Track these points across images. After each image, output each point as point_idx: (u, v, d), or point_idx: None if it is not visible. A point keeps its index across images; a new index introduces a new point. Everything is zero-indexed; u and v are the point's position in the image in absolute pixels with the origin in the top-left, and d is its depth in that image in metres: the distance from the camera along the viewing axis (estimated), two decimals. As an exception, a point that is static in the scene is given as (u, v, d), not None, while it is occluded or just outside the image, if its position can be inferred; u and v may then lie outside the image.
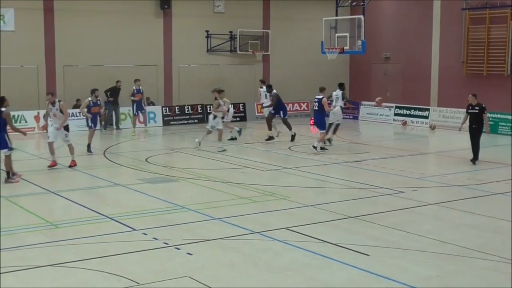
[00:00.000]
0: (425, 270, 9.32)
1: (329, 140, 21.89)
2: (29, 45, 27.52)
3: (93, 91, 21.18)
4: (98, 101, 21.22)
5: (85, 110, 20.77)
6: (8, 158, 15.87)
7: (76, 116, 26.94)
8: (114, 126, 27.84)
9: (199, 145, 21.53)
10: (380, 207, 13.24)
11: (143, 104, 26.57)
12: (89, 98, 20.88)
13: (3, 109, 15.81)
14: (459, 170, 17.73)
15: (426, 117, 29.10)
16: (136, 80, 26.34)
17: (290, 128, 22.99)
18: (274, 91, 23.61)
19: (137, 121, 26.95)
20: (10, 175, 15.96)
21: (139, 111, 26.41)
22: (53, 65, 28.13)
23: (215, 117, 21.19)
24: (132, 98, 26.10)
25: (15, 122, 25.79)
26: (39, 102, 27.48)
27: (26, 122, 26.31)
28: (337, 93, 22.39)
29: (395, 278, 8.85)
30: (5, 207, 13.31)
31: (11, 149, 16.06)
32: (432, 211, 13.24)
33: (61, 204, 13.83)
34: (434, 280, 8.94)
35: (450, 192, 15.03)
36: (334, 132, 22.44)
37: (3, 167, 16.09)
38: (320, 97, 20.40)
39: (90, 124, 21.12)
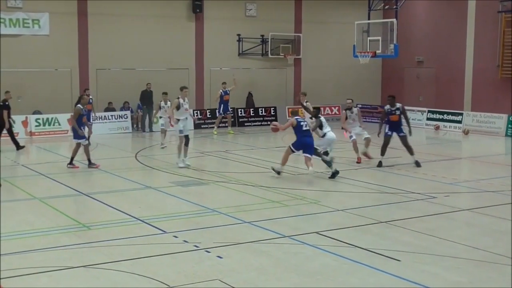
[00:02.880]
0: (457, 276, 9.22)
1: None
2: (63, 49, 27.88)
3: (85, 90, 22.28)
4: (90, 100, 21.81)
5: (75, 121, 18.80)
6: (86, 147, 18.28)
7: (109, 119, 27.25)
8: (147, 129, 28.07)
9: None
10: (411, 212, 13.14)
11: (228, 106, 27.79)
12: (79, 105, 18.63)
13: (78, 105, 18.45)
14: (493, 175, 17.51)
15: (460, 122, 28.81)
16: (223, 83, 27.65)
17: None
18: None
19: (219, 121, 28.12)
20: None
21: (225, 112, 27.67)
22: (86, 68, 28.46)
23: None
24: (218, 99, 27.48)
25: (49, 125, 26.17)
26: (73, 105, 27.75)
27: (59, 125, 26.64)
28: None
29: (426, 284, 8.77)
30: (38, 209, 13.49)
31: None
32: (464, 217, 13.10)
33: (93, 206, 13.96)
34: (466, 287, 8.84)
35: (483, 198, 14.85)
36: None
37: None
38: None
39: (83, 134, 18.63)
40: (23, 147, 22.60)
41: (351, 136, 19.65)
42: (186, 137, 18.57)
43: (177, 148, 18.84)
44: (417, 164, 18.83)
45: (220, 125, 28.20)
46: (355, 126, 19.77)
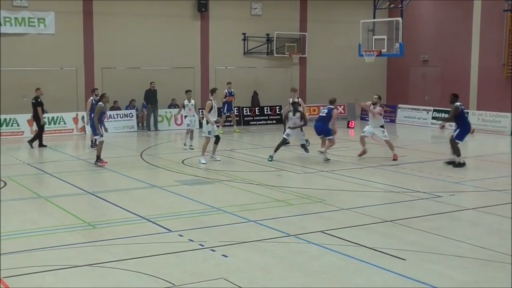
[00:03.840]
0: (462, 275, 9.20)
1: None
2: (69, 48, 27.93)
3: (94, 90, 21.63)
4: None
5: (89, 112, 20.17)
6: (100, 144, 18.54)
7: (114, 117, 27.29)
8: (153, 128, 28.11)
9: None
10: (417, 211, 13.11)
11: (232, 106, 28.04)
12: (91, 98, 20.16)
13: (100, 103, 18.67)
14: (498, 174, 17.47)
15: (465, 121, 28.68)
16: (228, 83, 27.84)
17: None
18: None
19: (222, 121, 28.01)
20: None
21: (229, 112, 27.95)
22: (91, 67, 28.50)
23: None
24: (224, 99, 27.47)
25: (54, 124, 26.24)
26: (78, 103, 27.86)
27: (65, 123, 26.71)
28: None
29: (431, 283, 8.75)
30: (44, 207, 13.52)
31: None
32: (470, 216, 13.06)
33: (98, 204, 13.98)
34: (472, 286, 8.82)
35: (488, 197, 14.81)
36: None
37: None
38: (331, 107, 19.63)
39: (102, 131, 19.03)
40: (45, 146, 22.84)
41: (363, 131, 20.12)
42: (217, 136, 19.42)
43: (202, 147, 19.30)
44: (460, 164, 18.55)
45: (225, 124, 28.23)
46: (373, 123, 19.89)
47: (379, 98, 20.17)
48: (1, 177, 16.45)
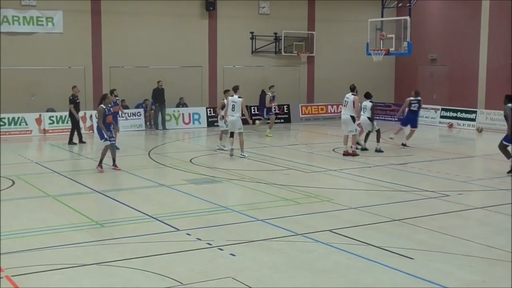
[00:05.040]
0: (470, 275, 9.18)
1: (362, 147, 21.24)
2: (77, 47, 27.99)
3: (112, 92, 20.89)
4: (117, 101, 21.07)
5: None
6: (106, 148, 17.57)
7: (122, 117, 27.28)
8: (160, 127, 28.14)
9: None
10: (425, 211, 13.08)
11: (273, 109, 26.64)
12: (102, 105, 17.85)
13: (101, 105, 17.56)
14: (507, 173, 17.39)
15: (473, 120, 28.68)
16: (270, 87, 26.66)
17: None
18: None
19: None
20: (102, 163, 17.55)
21: (269, 114, 26.60)
22: (99, 66, 28.55)
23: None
24: (269, 105, 26.27)
25: (62, 122, 26.32)
26: (86, 102, 27.92)
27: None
28: (366, 103, 21.12)
29: (439, 282, 8.73)
30: (52, 206, 13.55)
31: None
32: (478, 215, 13.02)
33: (106, 203, 14.01)
34: (480, 285, 8.79)
35: (497, 196, 14.77)
36: (365, 140, 21.62)
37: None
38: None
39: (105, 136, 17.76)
40: (75, 143, 23.20)
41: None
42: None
43: (240, 144, 19.92)
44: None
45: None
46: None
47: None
48: (10, 176, 16.48)
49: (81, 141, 23.51)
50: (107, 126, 17.70)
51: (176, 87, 29.07)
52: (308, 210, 13.14)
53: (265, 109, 26.67)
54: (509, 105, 17.47)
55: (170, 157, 20.49)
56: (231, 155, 19.73)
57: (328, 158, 20.18)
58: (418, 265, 9.51)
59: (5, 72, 26.34)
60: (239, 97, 19.72)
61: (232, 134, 19.99)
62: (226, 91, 21.49)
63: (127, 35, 28.88)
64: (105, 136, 17.53)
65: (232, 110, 19.70)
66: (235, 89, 19.94)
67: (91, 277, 8.99)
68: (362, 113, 20.88)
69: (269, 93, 26.42)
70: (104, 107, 17.65)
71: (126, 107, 28.28)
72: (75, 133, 23.42)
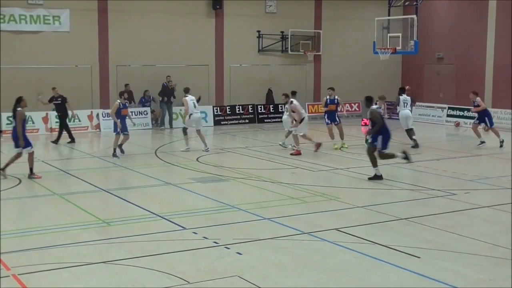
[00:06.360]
0: (477, 273, 9.16)
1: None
2: (84, 45, 28.03)
3: (121, 94, 20.66)
4: (126, 103, 20.81)
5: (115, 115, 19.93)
6: (31, 155, 16.43)
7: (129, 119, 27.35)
8: (167, 125, 28.16)
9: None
10: (431, 209, 13.07)
11: (337, 116, 22.23)
12: (118, 101, 19.97)
13: (19, 108, 16.64)
14: (514, 172, 17.37)
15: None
16: (328, 88, 22.31)
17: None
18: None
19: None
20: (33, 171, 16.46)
21: (333, 122, 22.08)
22: (106, 65, 28.59)
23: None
24: (325, 108, 22.19)
25: (69, 121, 26.31)
26: (93, 101, 27.97)
27: (79, 121, 26.78)
28: (405, 98, 22.41)
29: (446, 281, 8.72)
30: (58, 205, 13.58)
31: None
32: (485, 214, 13.00)
33: (113, 202, 14.02)
34: (487, 284, 8.78)
35: (503, 194, 14.71)
36: (411, 138, 21.88)
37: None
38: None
39: (118, 130, 19.89)
40: (56, 143, 23.23)
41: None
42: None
43: (296, 141, 20.50)
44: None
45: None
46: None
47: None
48: (17, 174, 16.51)
49: (72, 140, 23.43)
50: (123, 118, 19.93)
51: (183, 85, 29.00)
52: (314, 209, 13.14)
53: (325, 115, 22.38)
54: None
55: (176, 156, 20.51)
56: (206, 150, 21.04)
57: (335, 157, 20.16)
58: (425, 263, 9.50)
59: (12, 70, 26.41)
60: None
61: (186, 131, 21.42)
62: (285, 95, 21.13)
63: (134, 33, 28.91)
64: (118, 130, 19.70)
65: (194, 107, 21.30)
66: (186, 90, 21.74)
67: (98, 276, 9.01)
68: (403, 107, 22.38)
69: (327, 97, 22.27)
70: (119, 101, 19.85)
71: (150, 98, 28.48)
72: (63, 133, 23.45)
